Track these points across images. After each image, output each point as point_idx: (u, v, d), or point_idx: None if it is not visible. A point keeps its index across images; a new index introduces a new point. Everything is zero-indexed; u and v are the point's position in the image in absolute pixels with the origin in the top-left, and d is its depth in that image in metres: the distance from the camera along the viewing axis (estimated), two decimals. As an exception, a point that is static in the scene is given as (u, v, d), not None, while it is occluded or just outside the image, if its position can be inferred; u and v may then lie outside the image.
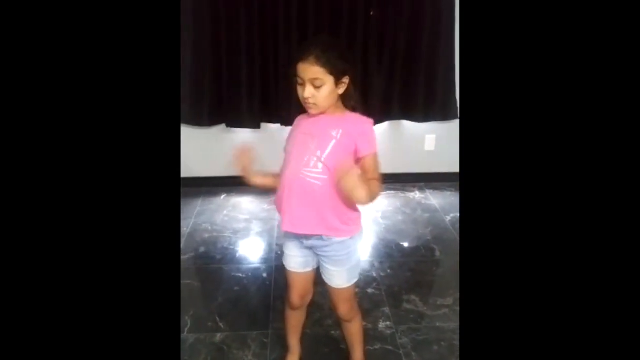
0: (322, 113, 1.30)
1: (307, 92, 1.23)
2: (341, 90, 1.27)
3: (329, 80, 1.23)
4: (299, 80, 1.25)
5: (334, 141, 1.27)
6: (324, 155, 1.27)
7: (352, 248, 1.38)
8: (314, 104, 1.25)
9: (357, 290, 1.50)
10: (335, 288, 1.43)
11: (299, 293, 1.49)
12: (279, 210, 1.37)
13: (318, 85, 1.23)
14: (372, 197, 1.22)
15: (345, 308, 1.47)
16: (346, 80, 1.27)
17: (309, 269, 1.45)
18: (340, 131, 1.27)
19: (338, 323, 1.86)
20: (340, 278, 1.40)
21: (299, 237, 1.38)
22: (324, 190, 1.28)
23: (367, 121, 1.32)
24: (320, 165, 1.27)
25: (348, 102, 1.32)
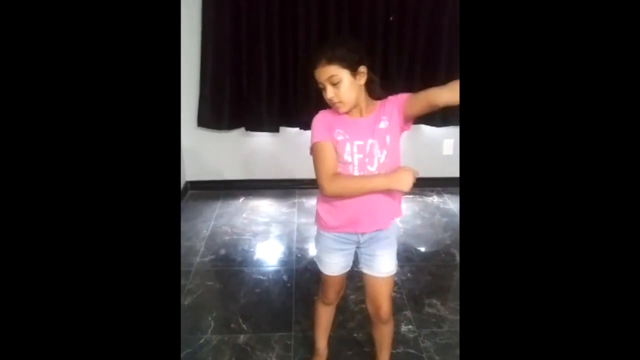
0: (352, 110, 1.30)
1: (329, 93, 1.25)
2: (362, 81, 1.27)
3: (345, 74, 1.24)
4: (321, 86, 1.27)
5: (388, 136, 1.29)
6: (387, 149, 1.30)
7: (395, 231, 1.46)
8: (340, 101, 1.26)
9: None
10: (385, 277, 1.43)
11: (336, 290, 1.53)
12: (345, 220, 1.37)
13: (335, 82, 1.23)
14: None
15: (389, 303, 1.47)
16: (363, 69, 1.26)
17: (348, 270, 1.49)
18: (385, 118, 1.29)
19: (362, 325, 1.88)
20: (391, 262, 1.43)
21: (357, 235, 1.40)
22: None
23: (389, 96, 1.34)
24: (384, 160, 1.31)
25: (374, 93, 1.33)
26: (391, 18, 2.87)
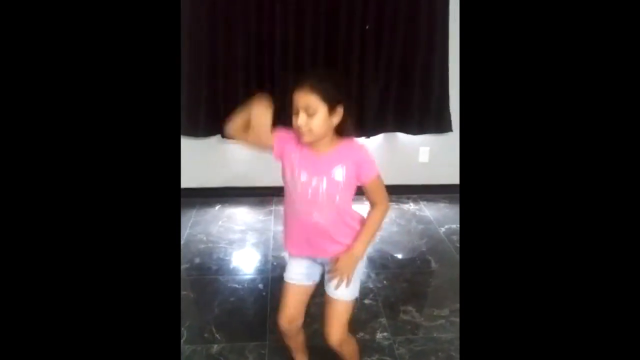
0: (316, 143, 1.30)
1: (301, 120, 1.24)
2: (335, 120, 1.28)
3: (323, 109, 1.23)
4: (294, 110, 1.26)
5: (341, 183, 1.31)
6: (337, 198, 1.32)
7: (360, 264, 1.42)
8: (308, 130, 1.25)
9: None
10: (336, 300, 1.39)
11: (290, 312, 1.45)
12: (294, 243, 1.43)
13: (311, 113, 1.23)
14: (375, 231, 1.38)
15: (339, 330, 1.40)
16: (340, 109, 1.27)
17: (310, 282, 1.46)
18: (344, 168, 1.30)
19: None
20: (346, 290, 1.38)
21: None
22: (339, 224, 1.36)
23: (361, 147, 1.35)
24: (333, 206, 1.33)
25: (342, 132, 1.34)
26: (367, 27, 2.90)
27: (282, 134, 1.36)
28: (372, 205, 1.38)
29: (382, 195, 1.37)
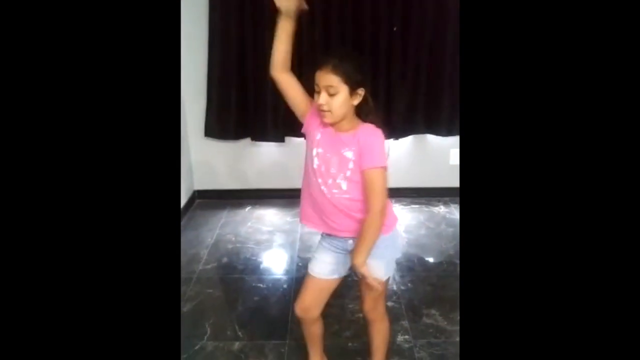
0: (336, 124, 1.31)
1: (322, 99, 1.26)
2: (356, 101, 1.29)
3: (344, 89, 1.25)
4: (316, 88, 1.29)
5: (351, 163, 1.30)
6: (347, 177, 1.31)
7: (388, 243, 1.40)
8: (328, 111, 1.27)
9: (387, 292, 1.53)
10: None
11: (306, 303, 1.49)
12: (308, 217, 1.44)
13: (332, 92, 1.25)
14: (371, 239, 1.29)
15: (372, 305, 1.49)
16: (361, 92, 1.29)
17: (334, 277, 1.46)
18: (354, 149, 1.29)
19: (357, 335, 1.88)
20: (379, 271, 1.37)
21: (341, 240, 1.41)
22: (352, 203, 1.34)
23: (375, 134, 1.30)
24: (344, 185, 1.32)
25: (364, 115, 1.34)
26: (395, 28, 2.88)
27: (314, 110, 1.36)
28: (367, 206, 1.29)
29: (375, 193, 1.26)
